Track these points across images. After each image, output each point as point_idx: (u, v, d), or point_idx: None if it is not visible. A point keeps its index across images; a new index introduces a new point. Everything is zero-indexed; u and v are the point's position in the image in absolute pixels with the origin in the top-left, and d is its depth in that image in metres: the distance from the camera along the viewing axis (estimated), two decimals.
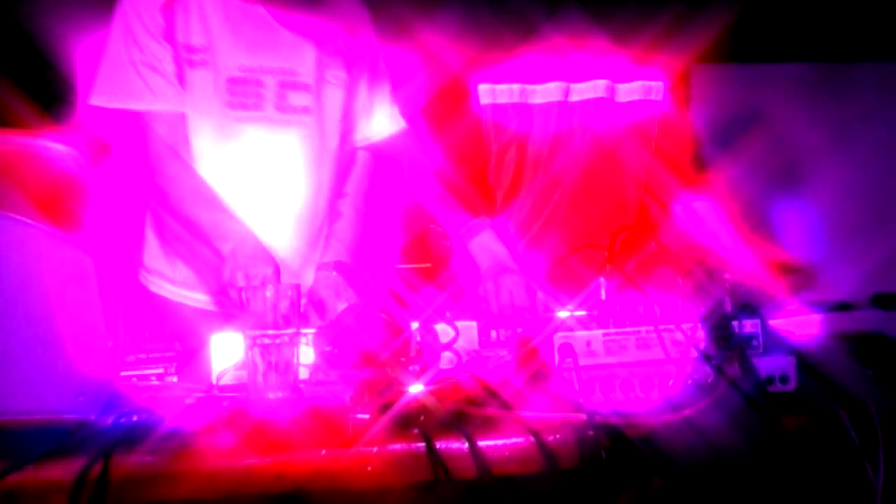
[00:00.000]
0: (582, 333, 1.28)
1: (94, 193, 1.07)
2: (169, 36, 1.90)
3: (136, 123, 1.90)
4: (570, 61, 1.98)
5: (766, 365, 1.29)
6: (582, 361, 1.27)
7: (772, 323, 1.63)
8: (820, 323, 1.60)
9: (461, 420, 1.15)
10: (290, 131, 2.00)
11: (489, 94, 1.98)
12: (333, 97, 2.05)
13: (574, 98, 2.01)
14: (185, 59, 1.91)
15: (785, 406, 1.25)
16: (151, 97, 1.89)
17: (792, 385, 1.30)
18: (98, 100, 1.88)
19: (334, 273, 2.04)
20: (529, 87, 1.98)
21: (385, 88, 2.18)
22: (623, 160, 2.02)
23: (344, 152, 2.15)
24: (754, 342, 1.31)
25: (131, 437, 1.09)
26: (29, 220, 1.01)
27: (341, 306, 1.94)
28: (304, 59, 2.00)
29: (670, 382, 1.26)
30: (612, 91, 2.03)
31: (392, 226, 2.57)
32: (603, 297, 1.37)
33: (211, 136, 1.95)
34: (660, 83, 2.05)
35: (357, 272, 2.12)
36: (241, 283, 1.73)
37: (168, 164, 1.91)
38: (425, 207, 2.04)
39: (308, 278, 2.05)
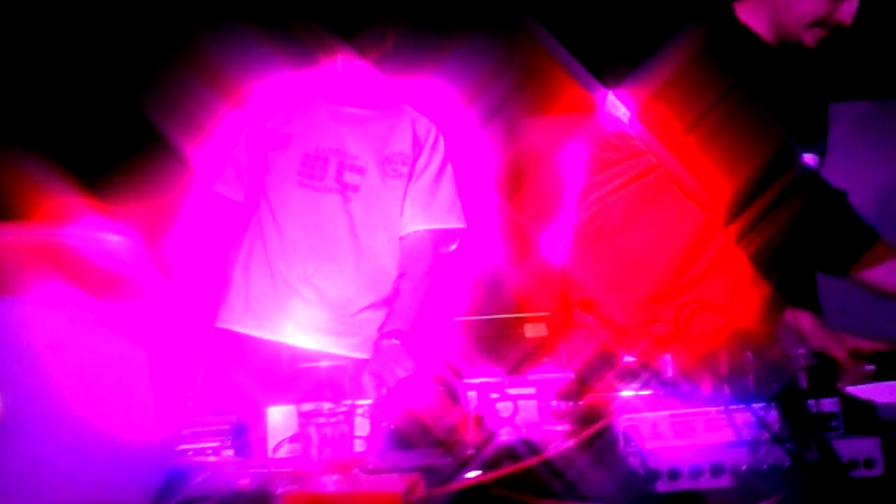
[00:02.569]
0: (648, 415, 1.21)
1: (147, 280, 1.06)
2: (262, 126, 2.41)
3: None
4: None
5: (849, 447, 1.21)
6: (648, 444, 1.20)
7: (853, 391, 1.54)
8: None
9: None
10: (342, 202, 2.36)
11: None
12: (389, 185, 2.38)
13: None
14: (269, 144, 2.40)
15: (870, 494, 1.16)
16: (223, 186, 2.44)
17: (878, 470, 1.21)
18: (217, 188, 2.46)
19: (394, 340, 2.08)
20: None
21: (447, 191, 2.45)
22: None
23: (395, 234, 2.41)
24: (834, 422, 1.23)
25: None
26: (84, 309, 1.01)
27: (400, 373, 1.93)
28: (365, 148, 2.39)
29: (744, 468, 1.18)
30: None
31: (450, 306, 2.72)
32: (669, 374, 1.30)
33: (282, 199, 2.36)
34: None
35: (416, 340, 2.14)
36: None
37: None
38: None
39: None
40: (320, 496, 1.07)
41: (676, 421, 1.21)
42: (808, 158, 2.07)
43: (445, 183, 2.46)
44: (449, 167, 2.49)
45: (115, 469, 1.05)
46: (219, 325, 2.36)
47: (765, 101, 1.96)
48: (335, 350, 2.25)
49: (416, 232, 2.41)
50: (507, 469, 1.13)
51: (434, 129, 2.49)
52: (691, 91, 1.95)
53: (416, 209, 2.41)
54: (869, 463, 1.20)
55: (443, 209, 2.44)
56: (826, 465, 1.16)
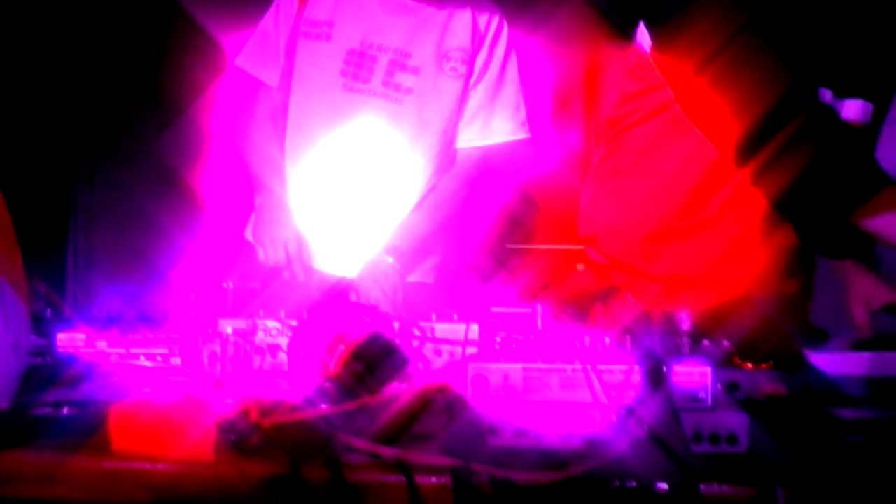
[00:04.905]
0: (499, 365, 1.17)
1: None
2: (299, 11, 2.10)
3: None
4: None
5: (712, 420, 1.12)
6: (497, 396, 1.17)
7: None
8: (866, 363, 1.39)
9: (329, 448, 1.10)
10: (391, 107, 2.07)
11: None
12: (446, 87, 2.09)
13: None
14: (303, 32, 2.09)
15: (720, 470, 1.08)
16: (263, 68, 2.13)
17: (742, 447, 1.12)
18: (237, 60, 2.17)
19: (388, 258, 2.05)
20: None
21: (511, 95, 2.17)
22: None
23: (449, 144, 2.15)
24: (701, 394, 1.14)
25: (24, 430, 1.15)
26: None
27: (376, 294, 1.94)
28: (421, 44, 2.08)
29: (591, 429, 1.13)
30: None
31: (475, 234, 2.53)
32: (539, 325, 1.25)
33: (315, 101, 2.09)
34: None
35: (412, 262, 2.11)
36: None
37: (255, 128, 2.14)
38: None
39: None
40: (140, 413, 1.12)
41: (529, 374, 1.17)
42: (852, 105, 1.87)
43: (508, 85, 2.17)
44: (513, 64, 2.18)
45: None
46: (248, 236, 2.20)
47: (796, 39, 1.78)
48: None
49: (470, 148, 2.17)
50: (331, 409, 1.13)
51: (497, 17, 2.16)
52: (707, 25, 1.81)
53: (475, 121, 2.15)
54: (732, 439, 1.12)
55: (504, 119, 2.16)
56: (672, 437, 1.08)
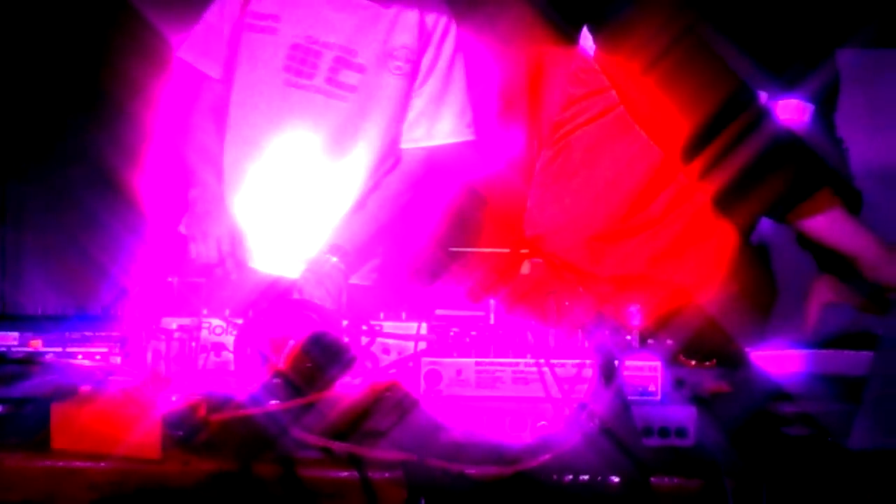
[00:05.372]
0: (451, 360, 1.17)
1: None
2: (245, 3, 2.07)
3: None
4: None
5: (662, 414, 1.14)
6: (449, 391, 1.16)
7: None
8: (803, 360, 1.42)
9: (280, 445, 1.09)
10: (333, 104, 2.05)
11: None
12: (390, 85, 2.08)
13: None
14: (248, 25, 2.06)
15: (669, 463, 1.09)
16: (205, 60, 2.10)
17: (690, 440, 1.14)
18: (180, 51, 2.13)
19: (331, 258, 2.01)
20: None
21: (458, 96, 2.15)
22: None
23: (392, 143, 2.12)
24: (651, 388, 1.16)
25: None
26: None
27: (318, 294, 1.91)
28: (366, 41, 2.06)
29: (541, 423, 1.13)
30: None
31: (417, 236, 2.50)
32: (492, 320, 1.25)
33: (256, 95, 2.06)
34: None
35: (356, 262, 2.09)
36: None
37: (195, 121, 2.11)
38: None
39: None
40: (83, 411, 1.09)
41: (482, 369, 1.17)
42: (788, 105, 1.93)
43: (455, 86, 2.15)
44: (460, 65, 2.16)
45: None
46: (183, 230, 2.14)
47: (735, 40, 1.82)
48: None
49: (415, 148, 2.15)
50: (281, 406, 1.11)
51: (446, 17, 2.14)
52: (654, 26, 1.84)
53: (420, 121, 2.13)
54: (681, 432, 1.13)
55: (450, 121, 2.15)
56: (624, 431, 1.09)
